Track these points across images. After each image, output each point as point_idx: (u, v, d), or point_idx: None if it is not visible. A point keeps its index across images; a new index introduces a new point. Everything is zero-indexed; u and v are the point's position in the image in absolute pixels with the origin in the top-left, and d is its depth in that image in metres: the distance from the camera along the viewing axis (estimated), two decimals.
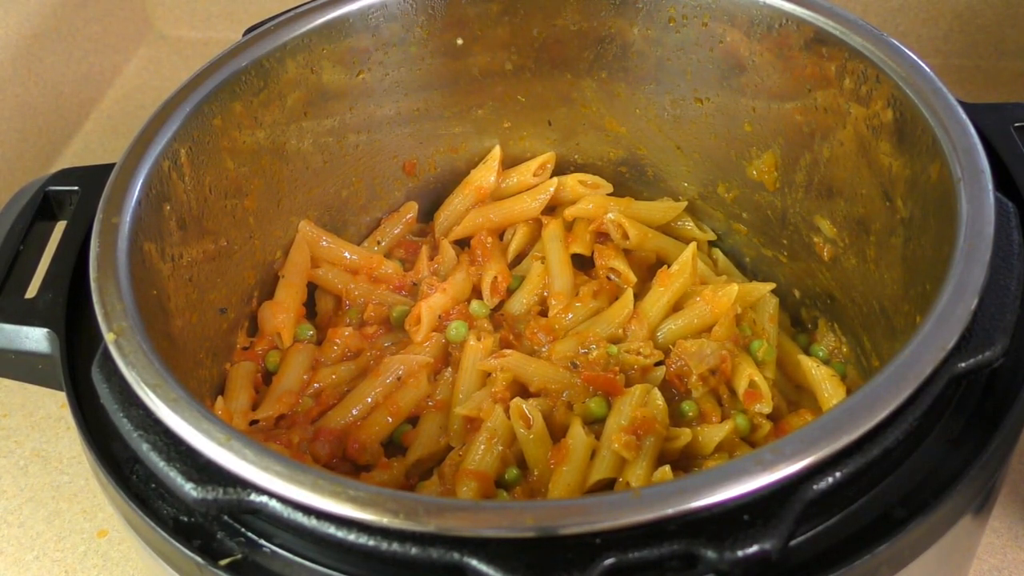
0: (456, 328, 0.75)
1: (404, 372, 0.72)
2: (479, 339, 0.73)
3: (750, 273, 0.83)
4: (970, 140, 0.58)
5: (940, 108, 0.60)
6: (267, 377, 0.73)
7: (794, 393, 0.74)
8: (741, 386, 0.70)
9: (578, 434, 0.66)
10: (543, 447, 0.66)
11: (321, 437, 0.67)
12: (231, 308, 0.72)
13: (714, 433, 0.67)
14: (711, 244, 0.85)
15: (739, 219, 0.82)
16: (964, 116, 0.59)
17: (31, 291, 0.63)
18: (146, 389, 0.49)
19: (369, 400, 0.71)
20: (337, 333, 0.75)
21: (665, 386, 0.71)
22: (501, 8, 0.77)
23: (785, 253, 0.79)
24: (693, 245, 0.77)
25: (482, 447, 0.66)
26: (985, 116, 0.65)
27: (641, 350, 0.72)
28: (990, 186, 0.55)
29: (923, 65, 0.62)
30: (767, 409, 0.69)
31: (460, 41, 0.78)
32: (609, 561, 0.43)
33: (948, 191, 0.56)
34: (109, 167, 0.62)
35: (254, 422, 0.69)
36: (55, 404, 0.90)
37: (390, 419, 0.70)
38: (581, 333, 0.74)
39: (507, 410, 0.68)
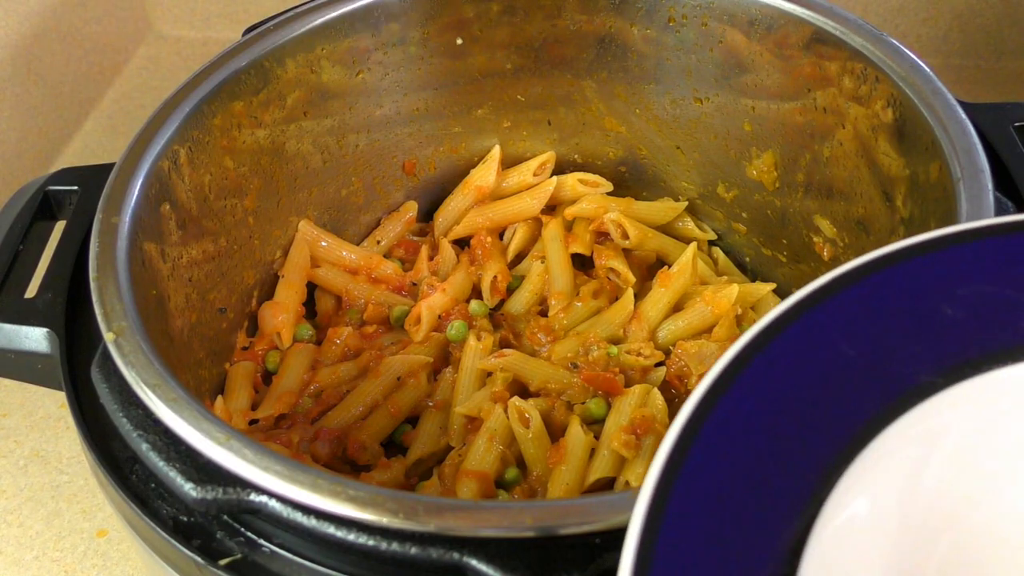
0: (456, 328, 0.75)
1: (404, 372, 0.72)
2: (479, 339, 0.73)
3: (750, 273, 0.83)
4: (970, 140, 0.58)
5: (940, 108, 0.60)
6: (267, 377, 0.73)
7: None
8: None
9: (576, 433, 0.65)
10: (542, 447, 0.66)
11: (321, 437, 0.67)
12: (231, 308, 0.72)
13: None
14: (711, 244, 0.85)
15: (739, 219, 0.82)
16: (964, 116, 0.59)
17: (31, 291, 0.63)
18: (145, 389, 0.49)
19: (369, 400, 0.71)
20: (337, 333, 0.75)
21: (665, 387, 0.71)
22: (501, 8, 0.77)
23: (785, 253, 0.79)
24: (694, 245, 0.77)
25: (482, 447, 0.66)
26: (985, 116, 0.65)
27: (641, 351, 0.72)
28: (990, 186, 0.55)
29: (923, 65, 0.62)
30: None
31: (460, 41, 0.78)
32: (609, 561, 0.43)
33: (948, 191, 0.56)
34: (109, 167, 0.62)
35: (254, 422, 0.69)
36: (55, 404, 0.90)
37: (390, 419, 0.70)
38: (581, 334, 0.74)
39: (507, 410, 0.68)
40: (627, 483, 0.63)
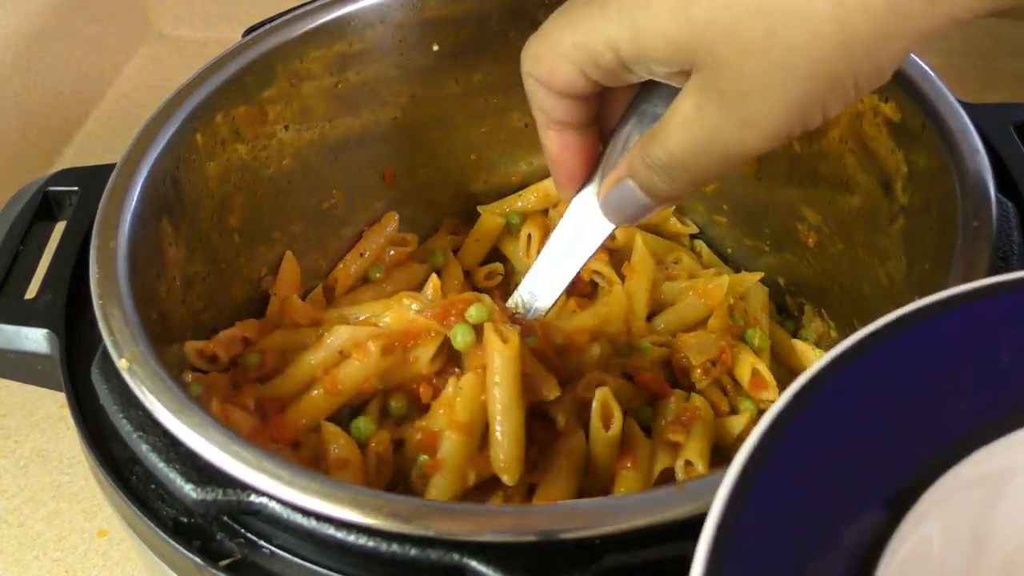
0: (462, 334, 0.62)
1: (349, 345, 0.62)
2: (505, 339, 0.61)
3: (732, 264, 0.83)
4: (970, 140, 0.58)
5: (940, 108, 0.60)
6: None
7: (788, 379, 0.74)
8: (745, 376, 0.70)
9: (641, 435, 0.64)
10: (614, 448, 0.63)
11: (268, 411, 0.62)
12: (221, 328, 0.69)
13: (733, 425, 0.68)
14: (693, 237, 0.85)
15: (719, 211, 0.82)
16: (964, 116, 0.59)
17: (31, 292, 0.63)
18: (170, 416, 0.49)
19: (305, 373, 0.63)
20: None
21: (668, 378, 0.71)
22: (481, 15, 0.77)
23: (768, 242, 0.79)
24: (636, 233, 0.77)
25: (564, 470, 0.61)
26: (985, 116, 0.65)
27: (664, 341, 0.72)
28: (990, 186, 0.55)
29: (923, 65, 0.62)
30: (774, 396, 0.69)
31: (436, 47, 0.77)
32: (609, 562, 0.43)
33: (948, 191, 0.56)
34: (109, 167, 0.62)
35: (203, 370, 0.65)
36: (55, 404, 0.90)
37: (327, 398, 0.62)
38: (604, 334, 0.71)
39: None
40: (687, 462, 0.62)
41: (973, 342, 0.42)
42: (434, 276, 0.73)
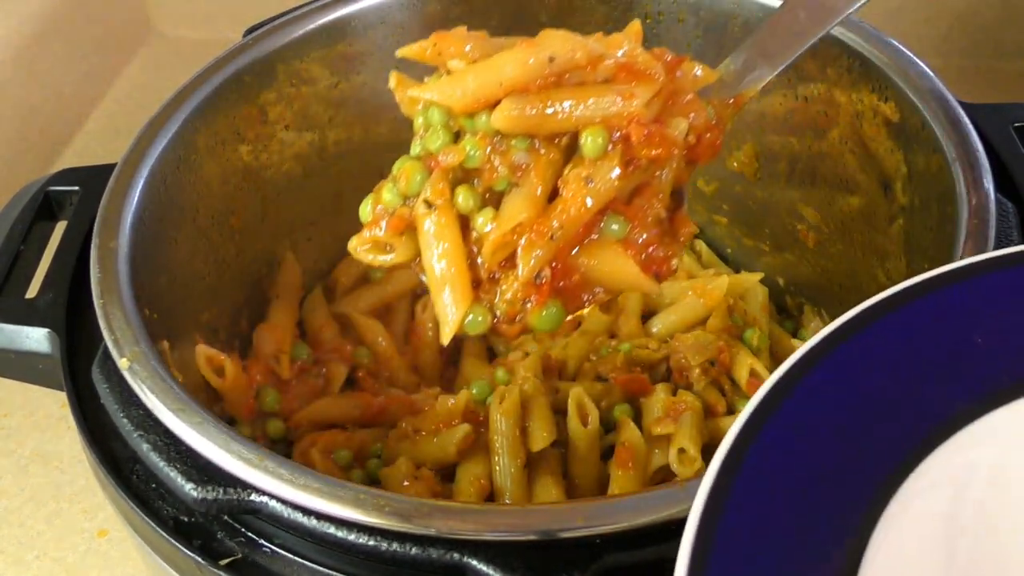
0: (480, 387, 0.68)
1: (562, 50, 0.53)
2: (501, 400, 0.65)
3: (732, 263, 0.84)
4: (970, 140, 0.58)
5: (940, 108, 0.60)
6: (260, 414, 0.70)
7: None
8: (742, 376, 0.70)
9: (635, 432, 0.65)
10: (594, 444, 0.65)
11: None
12: (222, 329, 0.70)
13: (729, 425, 0.67)
14: (693, 236, 0.85)
15: (719, 211, 0.82)
16: (964, 116, 0.59)
17: (31, 291, 0.63)
18: (169, 414, 0.49)
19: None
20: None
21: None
22: (482, 15, 0.77)
23: (767, 242, 0.80)
24: None
25: None
26: (985, 116, 0.65)
27: (648, 344, 0.72)
28: (990, 186, 0.55)
29: (923, 65, 0.62)
30: None
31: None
32: (609, 561, 0.43)
33: (947, 191, 0.56)
34: (109, 167, 0.62)
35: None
36: (56, 404, 0.90)
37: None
38: (587, 332, 0.73)
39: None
40: (680, 450, 0.63)
41: (948, 327, 0.41)
42: (636, 21, 0.59)
